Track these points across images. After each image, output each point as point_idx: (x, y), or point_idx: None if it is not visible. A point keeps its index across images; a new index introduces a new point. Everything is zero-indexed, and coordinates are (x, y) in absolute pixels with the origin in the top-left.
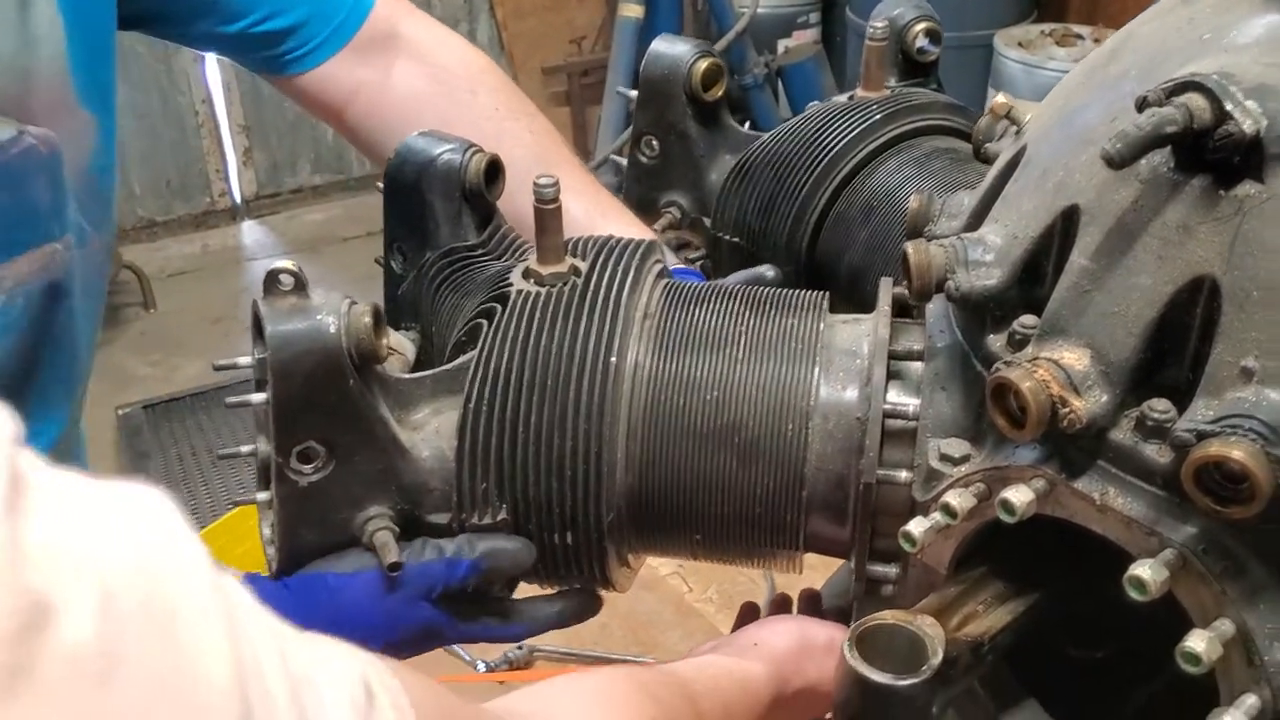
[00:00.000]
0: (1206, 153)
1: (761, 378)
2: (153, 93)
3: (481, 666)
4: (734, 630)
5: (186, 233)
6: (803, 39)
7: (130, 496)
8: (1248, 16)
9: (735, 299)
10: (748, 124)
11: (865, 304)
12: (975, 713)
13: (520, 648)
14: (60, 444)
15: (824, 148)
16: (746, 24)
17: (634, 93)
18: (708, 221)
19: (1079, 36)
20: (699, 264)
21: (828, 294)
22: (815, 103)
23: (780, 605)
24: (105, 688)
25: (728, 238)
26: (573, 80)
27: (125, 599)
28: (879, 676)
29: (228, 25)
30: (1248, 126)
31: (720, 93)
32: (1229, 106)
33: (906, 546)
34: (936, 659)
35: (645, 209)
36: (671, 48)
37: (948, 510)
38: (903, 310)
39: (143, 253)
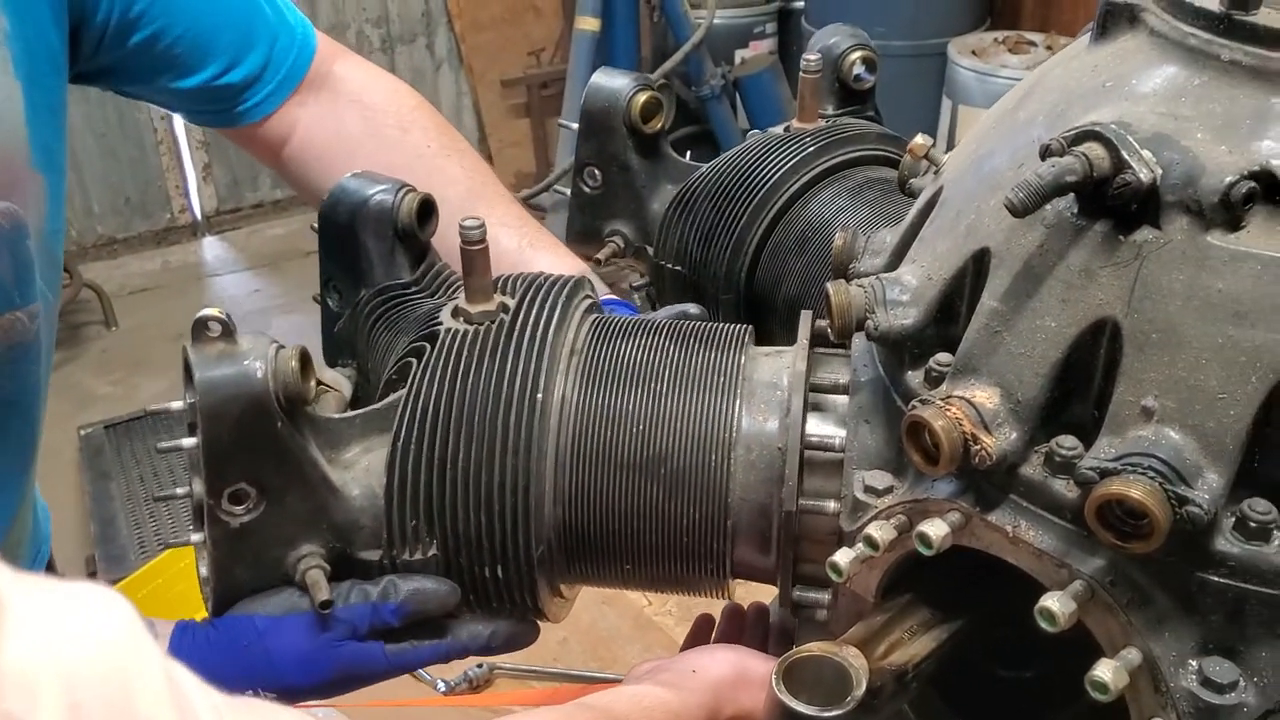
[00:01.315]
0: (1107, 200)
1: (686, 410)
2: (110, 109)
3: (442, 686)
4: (685, 644)
5: (147, 249)
6: (759, 49)
7: (99, 609)
8: (1146, 66)
9: (660, 334)
10: (700, 138)
11: None
12: None
13: (480, 665)
14: (19, 512)
15: (760, 179)
16: (703, 35)
17: (575, 125)
18: (650, 250)
19: (1031, 43)
20: (643, 292)
21: (751, 328)
22: (755, 132)
23: (733, 616)
24: None
25: (670, 266)
26: (532, 92)
27: (91, 713)
28: (805, 709)
29: (185, 80)
30: (1144, 175)
31: (660, 124)
32: (1126, 156)
33: (834, 576)
34: (860, 690)
35: (589, 238)
36: (611, 81)
37: (870, 542)
38: (831, 343)
39: (103, 270)
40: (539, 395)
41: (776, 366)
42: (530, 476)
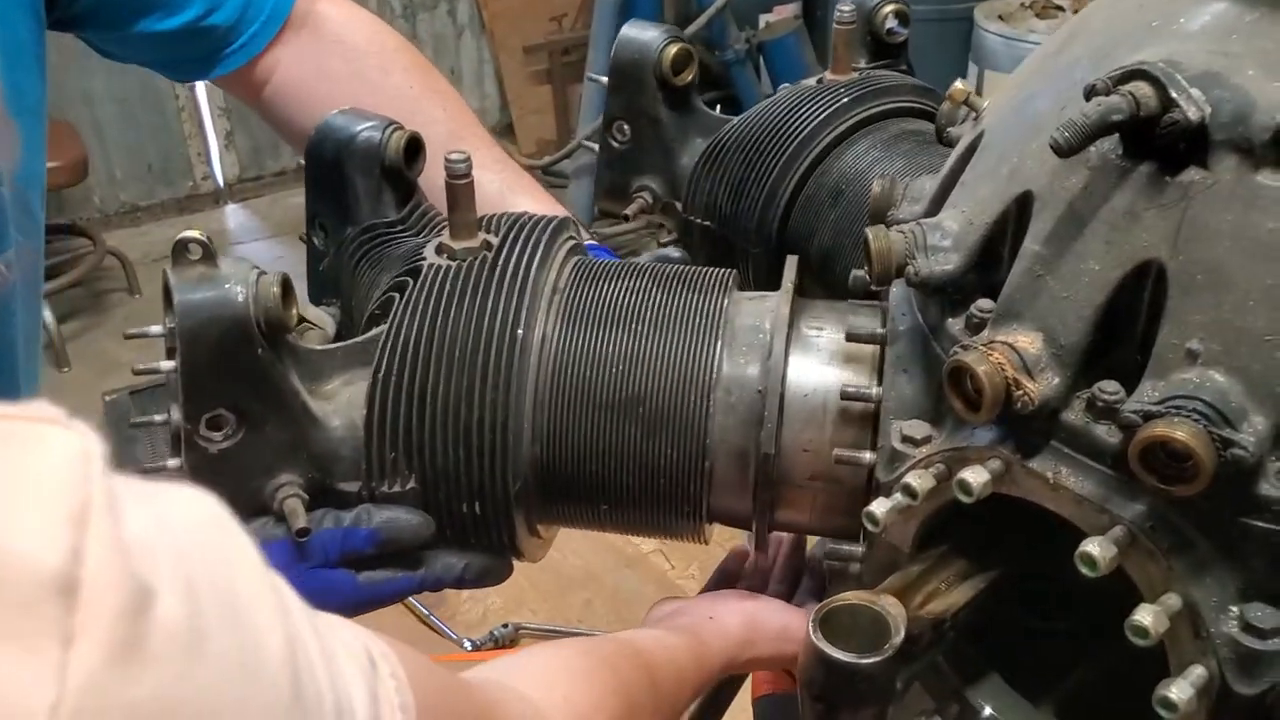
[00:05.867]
0: (1153, 140)
1: (666, 352)
2: (131, 78)
3: (469, 645)
4: (713, 576)
5: (170, 217)
6: (783, 14)
7: (191, 498)
8: (1195, 4)
9: (643, 276)
10: (724, 102)
11: (835, 286)
12: (939, 686)
13: (506, 625)
14: None
15: (793, 131)
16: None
17: (605, 79)
18: (679, 205)
19: (1059, 8)
20: (668, 247)
21: (735, 272)
22: (785, 85)
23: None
24: (195, 660)
25: (699, 221)
26: (554, 59)
27: (201, 584)
28: (843, 655)
29: (168, 21)
30: (1192, 114)
31: (690, 77)
32: (1174, 94)
33: (870, 527)
34: (899, 638)
35: (617, 194)
36: (641, 33)
37: (908, 491)
38: (867, 293)
39: (126, 238)
40: (519, 332)
41: (759, 310)
42: (509, 412)
